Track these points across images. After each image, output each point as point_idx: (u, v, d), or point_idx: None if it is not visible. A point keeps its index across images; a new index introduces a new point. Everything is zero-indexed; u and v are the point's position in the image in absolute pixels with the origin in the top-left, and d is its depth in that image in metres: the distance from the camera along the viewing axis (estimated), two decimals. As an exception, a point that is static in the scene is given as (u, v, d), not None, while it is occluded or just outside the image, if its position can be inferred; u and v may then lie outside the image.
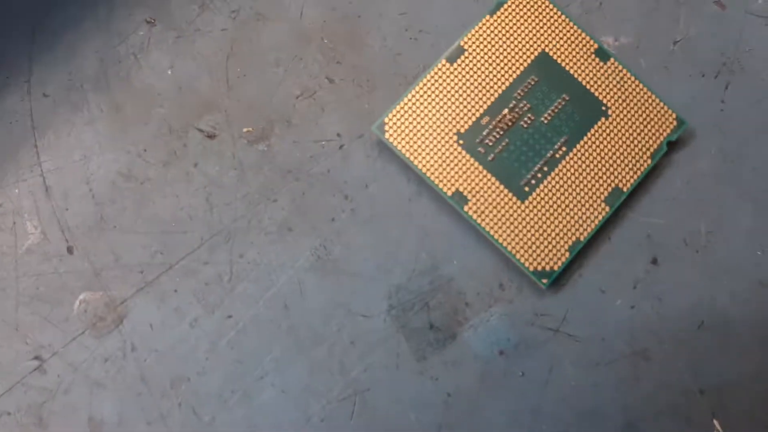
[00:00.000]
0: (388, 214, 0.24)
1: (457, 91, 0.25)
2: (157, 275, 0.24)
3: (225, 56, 0.25)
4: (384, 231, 0.24)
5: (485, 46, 0.25)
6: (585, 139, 0.25)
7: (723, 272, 0.24)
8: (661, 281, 0.24)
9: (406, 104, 0.24)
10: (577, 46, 0.25)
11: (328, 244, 0.24)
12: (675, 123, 0.25)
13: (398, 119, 0.24)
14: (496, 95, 0.25)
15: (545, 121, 0.25)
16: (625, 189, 0.24)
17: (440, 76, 0.25)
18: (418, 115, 0.24)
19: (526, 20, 0.25)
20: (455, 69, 0.25)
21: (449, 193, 0.24)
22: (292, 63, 0.25)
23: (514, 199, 0.24)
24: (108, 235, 0.24)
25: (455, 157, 0.24)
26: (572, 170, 0.24)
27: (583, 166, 0.24)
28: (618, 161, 0.24)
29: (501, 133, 0.24)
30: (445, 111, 0.24)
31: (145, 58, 0.25)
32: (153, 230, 0.24)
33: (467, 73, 0.25)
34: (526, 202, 0.24)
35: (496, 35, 0.25)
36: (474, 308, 0.24)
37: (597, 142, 0.25)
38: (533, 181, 0.24)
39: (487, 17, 0.25)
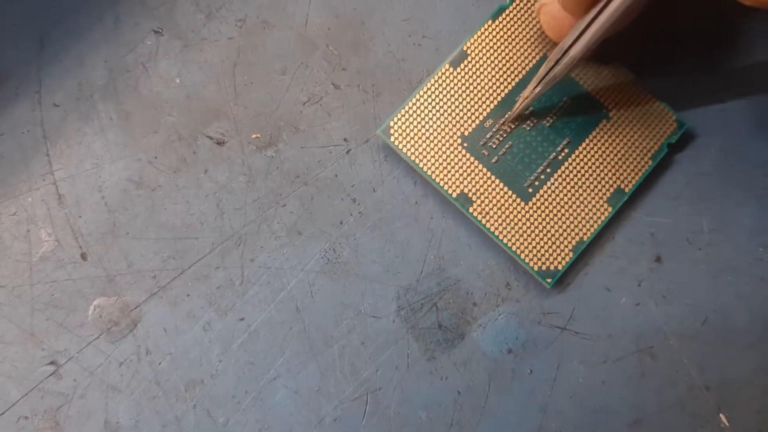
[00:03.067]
0: (396, 216, 0.26)
1: (460, 95, 0.26)
2: (170, 280, 0.26)
3: (232, 64, 0.27)
4: (392, 233, 0.26)
5: (488, 51, 0.27)
6: (587, 141, 0.26)
7: (726, 269, 0.26)
8: (665, 279, 0.26)
9: (410, 108, 0.26)
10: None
11: (337, 247, 0.26)
12: (675, 125, 0.26)
13: (403, 123, 0.26)
14: (499, 98, 0.26)
15: (548, 124, 0.26)
16: (627, 190, 0.26)
17: (444, 80, 0.26)
18: (423, 119, 0.26)
19: (527, 25, 0.27)
20: (459, 73, 0.27)
21: (454, 195, 0.26)
22: (298, 70, 0.27)
23: (518, 200, 0.26)
24: (121, 241, 0.26)
25: (459, 159, 0.26)
26: (575, 172, 0.26)
27: (586, 167, 0.26)
28: (620, 163, 0.26)
29: (504, 135, 0.26)
30: (449, 114, 0.26)
31: (153, 68, 0.27)
32: (165, 236, 0.26)
33: (470, 77, 0.27)
34: (530, 204, 0.26)
35: (498, 40, 0.27)
36: (482, 308, 0.26)
37: (599, 144, 0.26)
38: (537, 183, 0.26)
39: (490, 22, 0.27)
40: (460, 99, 0.26)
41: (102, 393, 0.25)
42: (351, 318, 0.25)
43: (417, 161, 0.26)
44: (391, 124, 0.26)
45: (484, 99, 0.26)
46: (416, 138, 0.26)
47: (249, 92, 0.27)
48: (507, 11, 0.27)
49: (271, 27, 0.27)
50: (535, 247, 0.25)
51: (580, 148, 0.26)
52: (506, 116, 0.26)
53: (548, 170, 0.26)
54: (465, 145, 0.26)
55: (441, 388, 0.25)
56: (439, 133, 0.26)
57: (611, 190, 0.26)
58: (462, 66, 0.27)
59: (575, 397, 0.25)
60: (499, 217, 0.26)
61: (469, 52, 0.27)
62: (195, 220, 0.26)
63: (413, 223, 0.26)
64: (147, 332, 0.25)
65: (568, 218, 0.26)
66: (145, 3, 0.27)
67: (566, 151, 0.26)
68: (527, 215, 0.26)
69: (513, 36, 0.27)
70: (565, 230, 0.26)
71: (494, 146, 0.26)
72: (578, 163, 0.26)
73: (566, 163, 0.26)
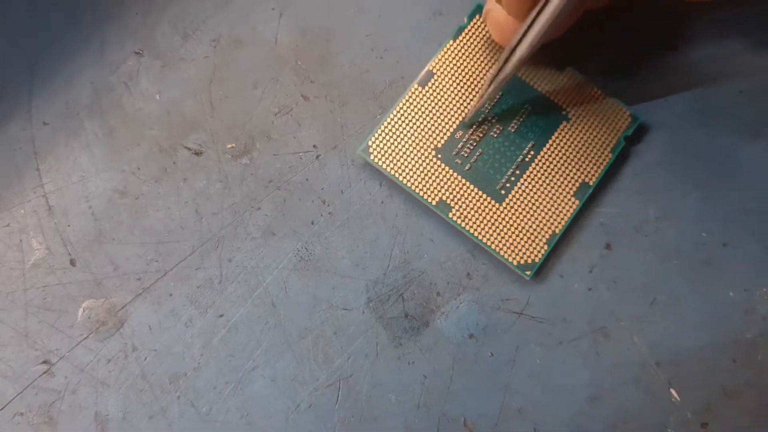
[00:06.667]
0: (363, 216, 0.29)
1: (431, 111, 0.29)
2: (154, 281, 0.29)
3: (208, 81, 0.30)
4: (360, 231, 0.29)
5: (452, 68, 0.30)
6: (550, 142, 0.29)
7: (672, 254, 0.29)
8: (615, 265, 0.29)
9: (386, 127, 0.29)
10: (534, 59, 0.30)
11: (309, 245, 0.29)
12: (630, 119, 0.29)
13: (380, 142, 0.29)
14: (466, 111, 0.29)
15: (513, 130, 0.29)
16: (591, 183, 0.29)
17: (414, 99, 0.29)
18: (398, 136, 0.29)
19: (486, 41, 0.30)
20: (427, 91, 0.29)
21: (434, 203, 0.28)
22: (269, 84, 0.30)
23: (493, 202, 0.29)
24: (107, 247, 0.29)
25: (435, 170, 0.29)
26: (542, 171, 0.29)
27: (551, 166, 0.29)
28: (582, 158, 0.29)
29: (474, 144, 0.29)
30: (422, 130, 0.29)
31: (135, 86, 0.30)
32: (148, 241, 0.29)
33: (438, 94, 0.29)
34: (504, 204, 0.29)
35: (460, 57, 0.30)
36: (444, 297, 0.28)
37: (561, 144, 0.29)
38: (508, 185, 0.29)
39: (451, 42, 0.30)
40: (431, 115, 0.29)
41: (92, 388, 0.28)
42: (323, 311, 0.28)
43: (397, 175, 0.29)
44: (370, 143, 0.29)
45: (452, 113, 0.29)
46: (394, 154, 0.29)
47: (224, 106, 0.30)
48: (465, 30, 0.30)
49: (243, 45, 0.31)
50: (512, 244, 0.28)
51: (545, 149, 0.29)
52: (465, 115, 0.29)
53: (517, 172, 0.29)
54: (439, 156, 0.29)
55: (409, 372, 0.28)
56: (414, 148, 0.29)
57: (577, 184, 0.29)
58: (429, 85, 0.29)
59: (534, 376, 0.28)
60: (477, 219, 0.28)
61: (434, 71, 0.30)
62: (176, 225, 0.29)
63: (380, 221, 0.29)
64: (133, 330, 0.28)
65: (540, 214, 0.29)
66: (127, 27, 0.31)
67: (532, 153, 0.29)
68: (502, 215, 0.28)
69: (473, 52, 0.30)
70: (538, 225, 0.28)
71: (466, 155, 0.29)
72: (544, 163, 0.29)
73: (533, 164, 0.29)
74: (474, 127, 0.29)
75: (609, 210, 0.29)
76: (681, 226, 0.29)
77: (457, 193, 0.29)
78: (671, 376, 0.28)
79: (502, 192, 0.29)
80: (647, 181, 0.30)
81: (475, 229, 0.28)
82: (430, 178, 0.29)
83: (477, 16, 0.30)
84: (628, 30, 0.31)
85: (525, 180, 0.29)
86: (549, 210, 0.29)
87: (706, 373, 0.28)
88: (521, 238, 0.28)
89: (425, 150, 0.29)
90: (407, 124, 0.29)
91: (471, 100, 0.30)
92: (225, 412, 0.27)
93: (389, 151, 0.29)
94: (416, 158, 0.29)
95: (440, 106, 0.29)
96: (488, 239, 0.28)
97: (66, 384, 0.28)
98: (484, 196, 0.29)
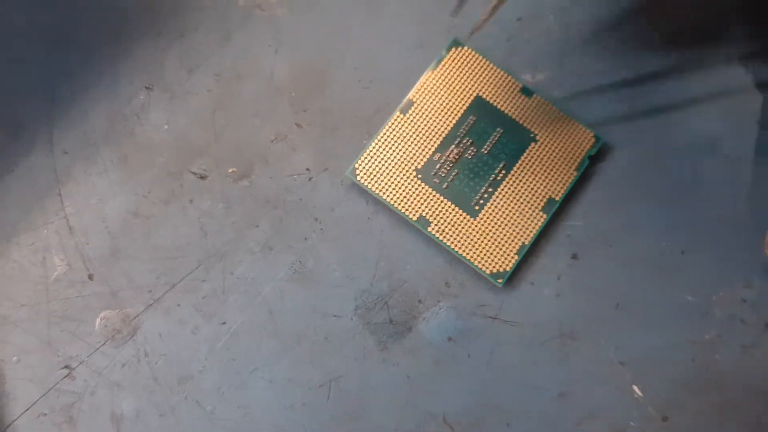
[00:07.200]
0: (352, 231, 0.32)
1: (411, 136, 0.32)
2: (163, 293, 0.32)
3: (211, 111, 0.33)
4: (349, 246, 0.32)
5: (430, 97, 0.32)
6: (519, 162, 0.32)
7: (634, 262, 0.31)
8: (582, 273, 0.31)
9: (371, 151, 0.32)
10: (504, 87, 0.33)
11: (303, 259, 0.32)
12: (593, 140, 0.32)
13: (366, 164, 0.32)
14: (443, 135, 0.32)
15: (485, 152, 0.32)
16: (557, 198, 0.31)
17: (397, 126, 0.32)
18: (383, 159, 0.32)
19: (461, 71, 0.33)
20: (408, 118, 0.32)
21: (414, 219, 0.31)
22: (267, 113, 0.33)
23: (468, 217, 0.31)
24: (122, 262, 0.32)
25: (416, 189, 0.32)
26: (512, 188, 0.32)
27: (521, 184, 0.32)
28: (549, 177, 0.32)
29: (451, 165, 0.32)
30: (404, 153, 0.32)
31: (145, 117, 0.33)
32: (158, 256, 0.32)
33: (418, 120, 0.32)
34: (478, 219, 0.31)
35: (438, 86, 0.33)
36: (426, 304, 0.31)
37: (530, 164, 0.32)
38: (481, 201, 0.32)
39: (430, 72, 0.33)
40: (412, 139, 0.32)
41: (108, 390, 0.31)
42: (316, 318, 0.31)
43: (381, 194, 0.31)
44: (356, 166, 0.32)
45: (431, 137, 0.32)
46: (379, 175, 0.32)
47: (226, 134, 0.33)
48: (443, 62, 0.33)
49: (243, 79, 0.34)
50: (486, 254, 0.31)
51: (515, 169, 0.32)
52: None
53: (490, 189, 0.32)
54: (419, 176, 0.32)
55: (394, 373, 0.31)
56: (397, 169, 0.32)
57: (544, 200, 0.32)
58: (410, 112, 0.32)
59: (508, 376, 0.30)
60: (453, 232, 0.31)
61: (414, 99, 0.32)
62: (183, 242, 0.32)
63: (367, 236, 0.32)
64: (145, 338, 0.31)
65: (510, 227, 0.31)
66: (138, 63, 0.34)
67: (503, 172, 0.32)
68: (476, 228, 0.31)
69: (450, 82, 0.33)
70: (509, 237, 0.31)
71: (443, 175, 0.32)
72: (514, 181, 0.32)
73: (504, 182, 0.32)
74: (451, 149, 0.32)
75: (575, 223, 0.32)
76: (642, 236, 0.32)
77: (436, 209, 0.32)
78: (635, 375, 0.30)
79: (476, 208, 0.32)
80: (610, 195, 0.32)
81: (452, 242, 0.31)
82: (411, 196, 0.32)
83: (453, 49, 0.33)
84: (590, 57, 0.34)
85: (497, 197, 0.32)
86: (519, 223, 0.31)
87: (666, 372, 0.30)
88: (494, 249, 0.31)
89: (407, 171, 0.32)
90: (390, 148, 0.32)
91: (448, 125, 0.32)
92: (228, 411, 0.30)
93: (374, 173, 0.32)
94: (399, 179, 0.32)
95: (420, 132, 0.32)
96: (464, 250, 0.31)
97: (85, 387, 0.31)
98: (460, 211, 0.32)
